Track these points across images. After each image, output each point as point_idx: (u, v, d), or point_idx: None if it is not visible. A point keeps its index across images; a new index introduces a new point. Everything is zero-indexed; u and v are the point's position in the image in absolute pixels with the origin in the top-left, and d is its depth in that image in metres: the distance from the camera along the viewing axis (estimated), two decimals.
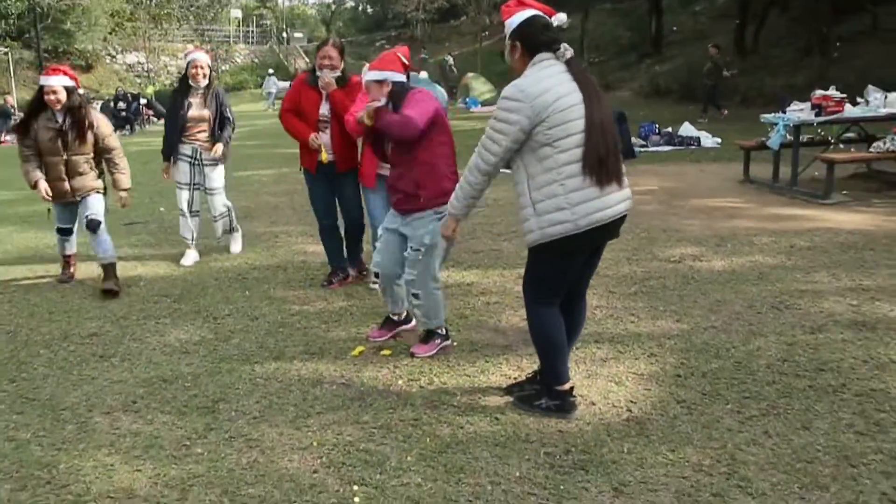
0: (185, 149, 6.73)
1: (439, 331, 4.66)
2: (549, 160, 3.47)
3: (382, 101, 4.39)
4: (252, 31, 55.12)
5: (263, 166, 11.50)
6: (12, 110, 24.68)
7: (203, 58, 6.74)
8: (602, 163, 3.49)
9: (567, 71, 3.53)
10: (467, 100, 27.97)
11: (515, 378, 4.19)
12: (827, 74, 17.00)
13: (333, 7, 63.06)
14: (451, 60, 34.91)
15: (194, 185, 6.86)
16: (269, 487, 3.20)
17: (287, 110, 5.84)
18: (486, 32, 40.89)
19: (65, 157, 6.02)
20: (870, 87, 9.88)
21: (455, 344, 4.74)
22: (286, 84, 30.54)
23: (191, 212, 6.93)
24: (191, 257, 7.04)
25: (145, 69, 43.04)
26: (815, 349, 4.51)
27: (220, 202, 7.00)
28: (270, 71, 38.56)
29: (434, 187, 4.37)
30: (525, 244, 3.69)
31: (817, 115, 9.40)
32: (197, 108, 6.67)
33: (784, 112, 9.80)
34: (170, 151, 6.76)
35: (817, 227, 7.57)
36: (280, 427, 3.73)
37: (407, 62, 4.60)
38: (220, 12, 51.54)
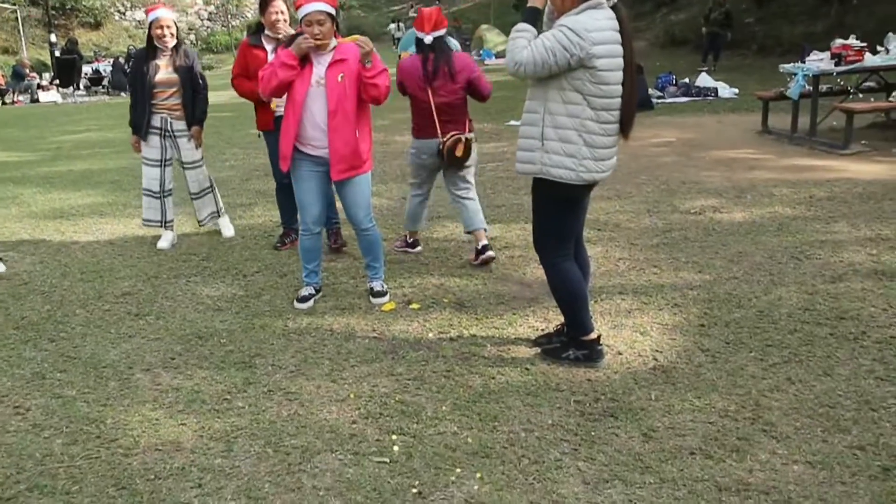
0: (154, 119, 6.07)
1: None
2: (576, 107, 3.46)
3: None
4: None
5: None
6: (26, 71, 24.34)
7: (167, 15, 6.00)
8: (629, 123, 3.55)
9: (615, 18, 3.45)
10: (482, 52, 27.69)
11: (542, 330, 4.30)
12: (846, 22, 16.80)
13: None
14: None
15: (166, 161, 6.21)
16: (311, 438, 3.32)
17: (237, 76, 5.83)
18: None
19: None
20: (890, 35, 9.80)
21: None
22: None
23: (163, 192, 6.24)
24: (167, 239, 6.39)
25: None
26: (836, 298, 4.59)
27: (200, 177, 6.39)
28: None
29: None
30: (517, 171, 3.72)
31: (837, 64, 9.35)
32: (164, 72, 5.99)
33: (803, 62, 9.74)
34: (139, 123, 6.08)
35: (836, 177, 7.60)
36: (317, 380, 3.85)
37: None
38: None
